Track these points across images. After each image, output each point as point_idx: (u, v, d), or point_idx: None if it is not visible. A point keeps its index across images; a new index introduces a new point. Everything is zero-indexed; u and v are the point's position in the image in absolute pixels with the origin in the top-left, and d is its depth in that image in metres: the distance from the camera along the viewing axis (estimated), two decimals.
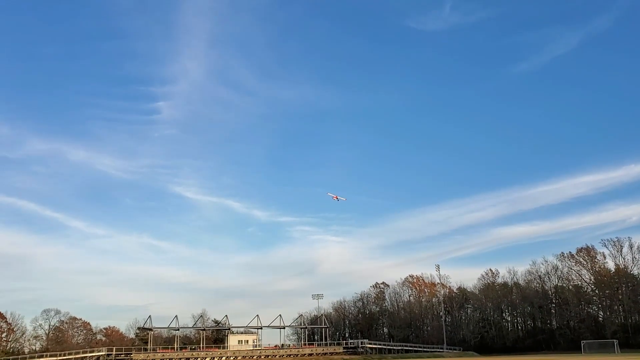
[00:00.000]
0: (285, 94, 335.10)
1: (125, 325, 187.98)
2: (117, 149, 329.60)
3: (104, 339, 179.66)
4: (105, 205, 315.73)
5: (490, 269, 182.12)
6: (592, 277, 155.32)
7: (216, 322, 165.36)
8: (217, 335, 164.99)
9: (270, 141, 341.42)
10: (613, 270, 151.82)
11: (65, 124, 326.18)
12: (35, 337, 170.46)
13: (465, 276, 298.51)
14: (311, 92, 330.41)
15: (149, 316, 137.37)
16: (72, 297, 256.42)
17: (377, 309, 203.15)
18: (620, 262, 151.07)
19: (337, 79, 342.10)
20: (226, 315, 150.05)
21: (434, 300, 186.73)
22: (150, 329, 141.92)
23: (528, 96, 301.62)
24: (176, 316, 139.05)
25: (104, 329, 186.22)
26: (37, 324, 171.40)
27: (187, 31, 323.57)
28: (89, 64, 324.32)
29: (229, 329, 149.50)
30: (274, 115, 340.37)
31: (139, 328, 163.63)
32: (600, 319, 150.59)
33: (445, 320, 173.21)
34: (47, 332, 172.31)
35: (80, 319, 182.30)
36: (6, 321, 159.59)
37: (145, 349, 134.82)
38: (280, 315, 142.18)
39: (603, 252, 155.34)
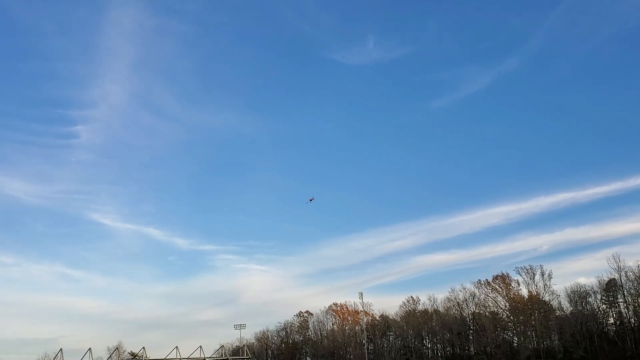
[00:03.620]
0: (210, 120, 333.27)
1: None
2: (30, 173, 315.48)
3: None
4: (14, 232, 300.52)
5: (411, 297, 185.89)
6: (507, 304, 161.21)
7: (133, 354, 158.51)
8: None
9: (193, 168, 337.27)
10: (526, 296, 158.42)
11: None
12: None
13: (388, 304, 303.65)
14: (236, 119, 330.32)
15: (60, 350, 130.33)
16: None
17: (301, 338, 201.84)
18: (533, 289, 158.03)
19: (263, 105, 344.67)
20: (143, 347, 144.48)
21: (357, 328, 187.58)
22: None
23: (445, 130, 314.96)
24: (90, 349, 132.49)
25: None
26: None
27: (109, 54, 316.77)
28: (1, 84, 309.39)
29: None
30: (198, 141, 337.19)
31: None
32: (515, 344, 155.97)
33: (367, 348, 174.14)
34: None
35: None
36: None
37: None
38: (200, 346, 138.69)
39: (517, 280, 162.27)
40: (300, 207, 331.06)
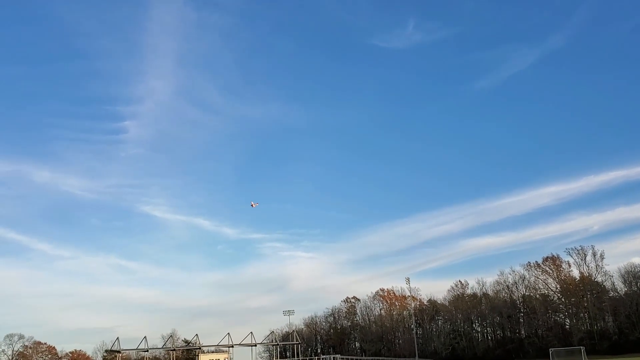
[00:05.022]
0: (252, 112, 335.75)
1: (92, 349, 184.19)
2: (83, 169, 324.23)
3: None
4: (70, 227, 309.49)
5: (459, 281, 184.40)
6: (558, 286, 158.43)
7: (186, 341, 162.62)
8: (188, 355, 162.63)
9: (238, 159, 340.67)
10: (578, 278, 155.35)
11: (28, 144, 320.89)
12: None
13: (436, 288, 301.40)
14: (278, 110, 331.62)
15: (117, 338, 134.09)
16: (37, 321, 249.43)
17: (349, 324, 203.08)
18: (585, 270, 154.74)
19: (303, 96, 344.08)
20: (196, 335, 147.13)
21: (404, 313, 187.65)
22: (119, 351, 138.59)
23: (490, 111, 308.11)
24: (145, 337, 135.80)
25: (70, 353, 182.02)
26: (0, 349, 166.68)
27: (152, 50, 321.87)
28: (51, 84, 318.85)
29: (200, 348, 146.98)
30: (242, 133, 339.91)
31: (106, 351, 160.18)
32: (567, 326, 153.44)
33: (416, 333, 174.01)
34: (10, 357, 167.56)
35: (45, 344, 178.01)
36: None
37: None
38: (251, 332, 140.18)
39: (568, 261, 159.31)
40: (344, 195, 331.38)
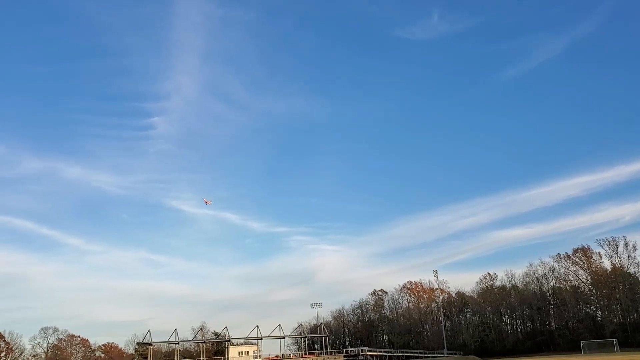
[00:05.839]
0: (277, 106, 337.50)
1: (124, 341, 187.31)
2: (112, 165, 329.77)
3: (103, 355, 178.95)
4: (101, 222, 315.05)
5: (488, 273, 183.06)
6: (589, 277, 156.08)
7: (216, 334, 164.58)
8: (218, 348, 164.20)
9: (264, 153, 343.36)
10: (609, 269, 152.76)
11: (59, 141, 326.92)
12: (34, 356, 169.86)
13: (464, 280, 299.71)
14: (302, 105, 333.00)
15: (148, 331, 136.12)
16: (70, 314, 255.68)
17: (377, 316, 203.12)
18: (617, 261, 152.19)
19: (327, 90, 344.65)
20: (226, 327, 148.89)
21: (433, 305, 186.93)
22: (150, 344, 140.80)
23: (516, 102, 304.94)
24: (175, 330, 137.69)
25: (103, 345, 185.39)
26: (36, 342, 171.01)
27: (179, 47, 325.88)
28: (80, 82, 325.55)
29: (229, 340, 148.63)
30: (267, 128, 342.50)
31: (138, 343, 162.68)
32: (599, 318, 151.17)
33: (444, 325, 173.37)
34: (45, 350, 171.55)
35: (79, 336, 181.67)
36: (4, 340, 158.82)
37: None
38: (279, 325, 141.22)
39: (599, 252, 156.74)
40: (368, 189, 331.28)
